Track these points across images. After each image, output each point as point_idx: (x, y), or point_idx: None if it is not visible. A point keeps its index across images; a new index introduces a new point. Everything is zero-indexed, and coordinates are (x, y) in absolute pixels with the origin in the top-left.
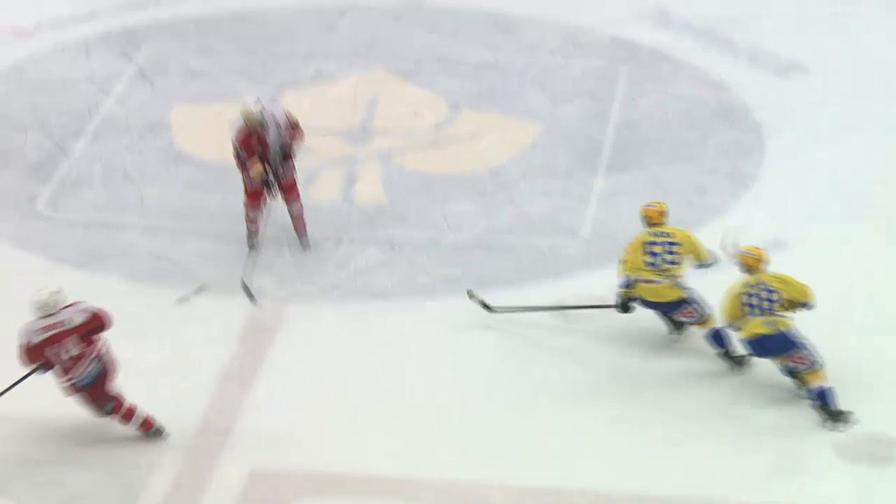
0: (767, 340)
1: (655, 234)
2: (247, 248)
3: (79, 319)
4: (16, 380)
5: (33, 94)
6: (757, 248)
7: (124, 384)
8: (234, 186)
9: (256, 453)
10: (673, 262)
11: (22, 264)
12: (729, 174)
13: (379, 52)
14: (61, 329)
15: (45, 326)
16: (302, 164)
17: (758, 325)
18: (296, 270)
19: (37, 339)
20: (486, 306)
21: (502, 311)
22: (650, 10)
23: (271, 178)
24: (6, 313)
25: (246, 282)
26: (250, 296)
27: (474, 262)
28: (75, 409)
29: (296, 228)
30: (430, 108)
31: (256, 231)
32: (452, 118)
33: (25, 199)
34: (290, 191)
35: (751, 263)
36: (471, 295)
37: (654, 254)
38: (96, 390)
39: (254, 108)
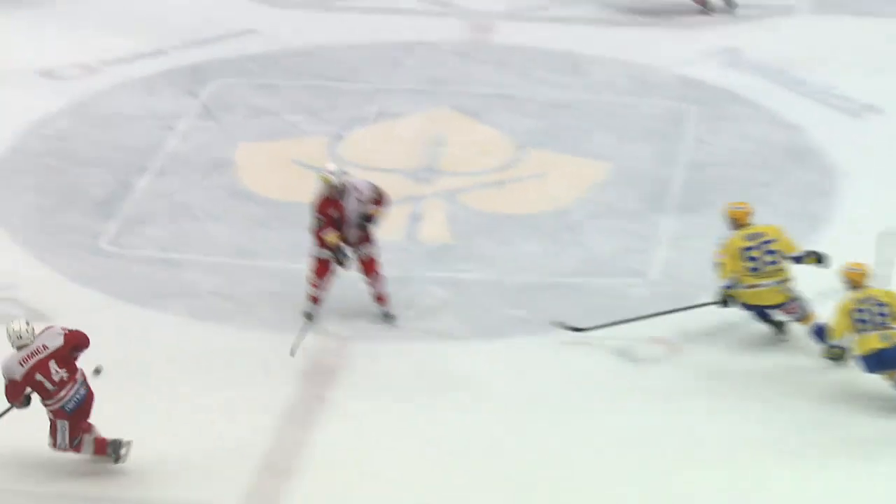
0: (886, 354)
1: (748, 238)
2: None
3: (57, 342)
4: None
5: (98, 130)
6: (860, 264)
7: (187, 423)
8: (298, 224)
9: (317, 494)
10: (773, 262)
11: (84, 301)
12: (800, 216)
13: (445, 90)
14: (43, 354)
15: (27, 356)
16: None
17: (874, 340)
18: (359, 309)
19: (22, 370)
20: (574, 328)
21: (592, 329)
22: (720, 50)
23: (346, 249)
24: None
25: (293, 349)
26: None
27: (540, 302)
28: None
29: (376, 302)
30: (497, 147)
31: (317, 301)
32: (519, 157)
33: (89, 235)
34: (369, 268)
35: (856, 279)
36: (555, 324)
37: (753, 258)
38: (80, 415)
39: (333, 174)
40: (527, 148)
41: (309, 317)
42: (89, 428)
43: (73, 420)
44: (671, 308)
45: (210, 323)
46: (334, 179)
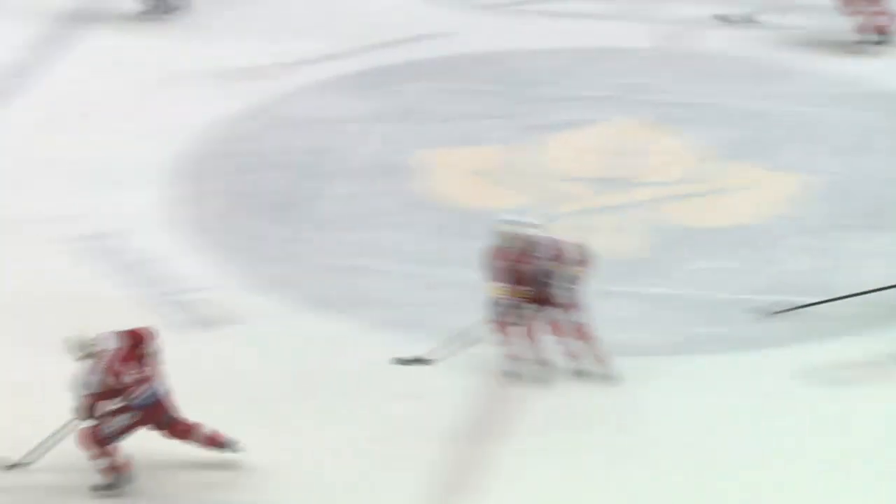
0: None
1: None
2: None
3: (119, 342)
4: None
5: (281, 132)
6: None
7: (364, 435)
8: (480, 234)
9: None
10: None
11: (263, 308)
12: None
13: (636, 98)
14: (111, 357)
15: (97, 363)
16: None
17: None
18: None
19: (98, 378)
20: (792, 308)
21: (809, 306)
22: None
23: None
24: (261, 358)
25: (435, 356)
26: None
27: (733, 320)
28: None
29: (597, 363)
30: (689, 159)
31: (514, 357)
32: (711, 169)
33: (268, 240)
34: (580, 334)
35: None
36: (778, 310)
37: None
38: (150, 416)
39: (511, 224)
40: (719, 159)
41: (512, 375)
42: (181, 431)
43: (139, 417)
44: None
45: (387, 332)
46: (511, 229)
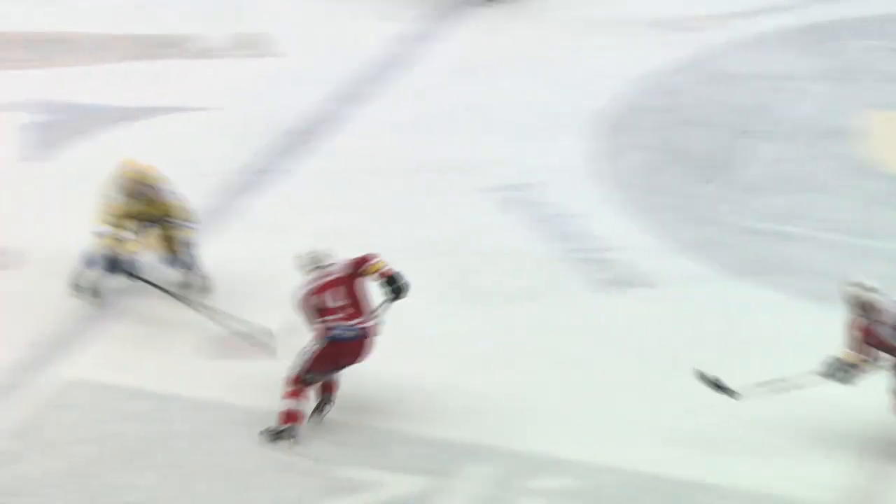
0: None
1: None
2: None
3: (342, 269)
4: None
5: (708, 87)
6: None
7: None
8: None
9: None
10: None
11: (680, 270)
12: None
13: None
14: (329, 278)
15: (314, 279)
16: None
17: None
18: None
19: (304, 291)
20: None
21: None
22: None
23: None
24: (677, 324)
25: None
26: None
27: None
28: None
29: None
30: None
31: None
32: None
33: (690, 199)
34: None
35: None
36: None
37: None
38: (337, 354)
39: (857, 288)
40: None
41: None
42: (331, 388)
43: (325, 351)
44: None
45: (812, 303)
46: (857, 294)
